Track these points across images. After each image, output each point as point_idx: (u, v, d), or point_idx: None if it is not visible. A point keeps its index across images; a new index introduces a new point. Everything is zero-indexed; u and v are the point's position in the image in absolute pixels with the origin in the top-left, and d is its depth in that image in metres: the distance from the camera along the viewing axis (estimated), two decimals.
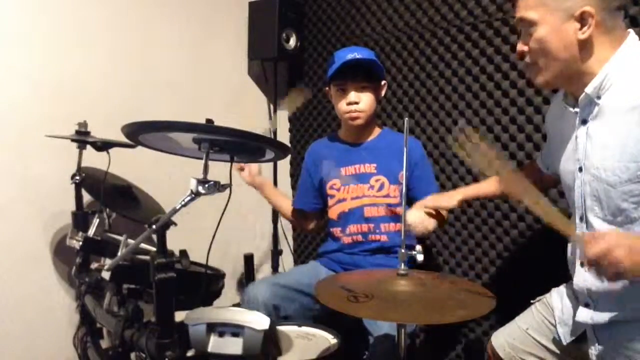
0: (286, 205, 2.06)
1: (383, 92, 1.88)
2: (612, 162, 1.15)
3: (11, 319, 1.94)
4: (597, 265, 1.06)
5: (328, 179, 1.91)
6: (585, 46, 1.16)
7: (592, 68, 1.18)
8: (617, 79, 1.16)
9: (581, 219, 1.26)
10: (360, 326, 1.67)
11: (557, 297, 1.41)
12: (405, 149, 1.33)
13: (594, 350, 1.26)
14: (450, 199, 1.61)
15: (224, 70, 2.60)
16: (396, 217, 1.84)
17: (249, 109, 2.72)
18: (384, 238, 1.84)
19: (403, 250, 1.27)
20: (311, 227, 2.06)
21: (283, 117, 2.85)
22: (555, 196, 1.83)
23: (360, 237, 1.85)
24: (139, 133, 1.28)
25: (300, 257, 2.86)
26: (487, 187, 1.66)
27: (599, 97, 1.18)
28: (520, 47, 1.26)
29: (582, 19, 1.14)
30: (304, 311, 1.74)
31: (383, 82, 1.86)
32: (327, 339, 1.54)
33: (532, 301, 1.50)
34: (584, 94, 1.19)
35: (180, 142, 1.31)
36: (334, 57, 1.82)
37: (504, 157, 1.77)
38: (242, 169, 1.94)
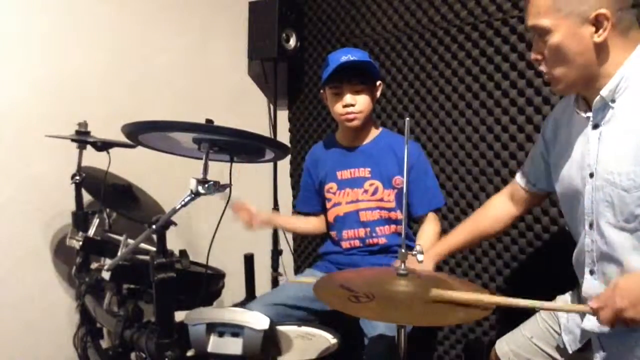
0: (297, 222, 2.06)
1: (379, 93, 1.87)
2: (627, 166, 1.13)
3: (11, 319, 1.94)
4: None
5: (325, 181, 1.91)
6: (602, 49, 1.14)
7: (607, 71, 1.15)
8: (632, 82, 1.14)
9: (591, 225, 1.23)
10: (359, 327, 1.67)
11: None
12: (405, 151, 1.32)
13: (598, 358, 1.24)
14: (425, 266, 1.46)
15: (224, 70, 2.60)
16: (391, 221, 1.84)
17: (249, 109, 2.72)
18: (382, 240, 1.84)
19: (403, 250, 1.26)
20: (314, 229, 2.04)
21: (283, 117, 2.85)
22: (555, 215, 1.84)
23: (357, 242, 1.86)
24: (139, 133, 1.28)
25: (300, 257, 2.87)
26: (457, 237, 1.59)
27: (613, 101, 1.16)
28: (535, 55, 1.22)
29: (597, 22, 1.11)
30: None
31: (378, 83, 1.85)
32: (327, 339, 1.54)
33: (536, 309, 1.48)
34: (598, 97, 1.17)
35: (180, 142, 1.31)
36: (327, 59, 1.81)
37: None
38: (242, 212, 1.83)
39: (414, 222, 1.95)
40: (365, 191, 1.84)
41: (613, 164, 1.16)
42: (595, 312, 1.08)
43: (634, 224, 1.14)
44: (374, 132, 1.91)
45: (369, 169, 1.84)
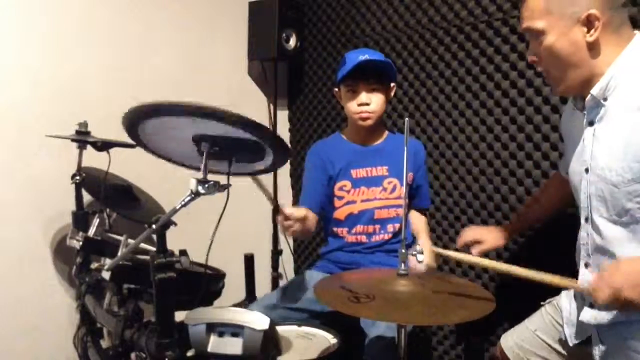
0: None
1: (392, 94, 1.89)
2: (616, 162, 1.16)
3: (11, 319, 1.94)
4: (612, 305, 1.10)
5: (337, 179, 1.89)
6: (594, 48, 1.17)
7: (600, 69, 1.18)
8: (622, 80, 1.16)
9: (586, 219, 1.27)
10: (359, 327, 1.67)
11: (566, 298, 1.41)
12: (405, 149, 1.33)
13: (597, 351, 1.26)
14: (500, 240, 1.62)
15: (224, 70, 2.60)
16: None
17: (249, 109, 2.67)
18: (387, 237, 1.85)
19: (403, 250, 1.27)
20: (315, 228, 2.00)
21: (283, 117, 2.85)
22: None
23: (364, 237, 1.86)
24: (141, 119, 1.27)
25: (300, 257, 2.87)
26: (532, 212, 1.67)
27: (605, 99, 1.19)
28: (531, 57, 1.28)
29: (589, 22, 1.15)
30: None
31: (392, 84, 1.86)
32: (327, 339, 1.54)
33: (542, 303, 1.51)
34: (589, 95, 1.20)
35: (181, 142, 1.31)
36: (344, 58, 1.82)
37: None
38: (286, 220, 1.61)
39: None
40: (384, 189, 1.85)
41: (604, 160, 1.19)
42: (592, 290, 1.10)
43: (625, 217, 1.17)
44: (385, 133, 1.94)
45: (387, 167, 1.86)
